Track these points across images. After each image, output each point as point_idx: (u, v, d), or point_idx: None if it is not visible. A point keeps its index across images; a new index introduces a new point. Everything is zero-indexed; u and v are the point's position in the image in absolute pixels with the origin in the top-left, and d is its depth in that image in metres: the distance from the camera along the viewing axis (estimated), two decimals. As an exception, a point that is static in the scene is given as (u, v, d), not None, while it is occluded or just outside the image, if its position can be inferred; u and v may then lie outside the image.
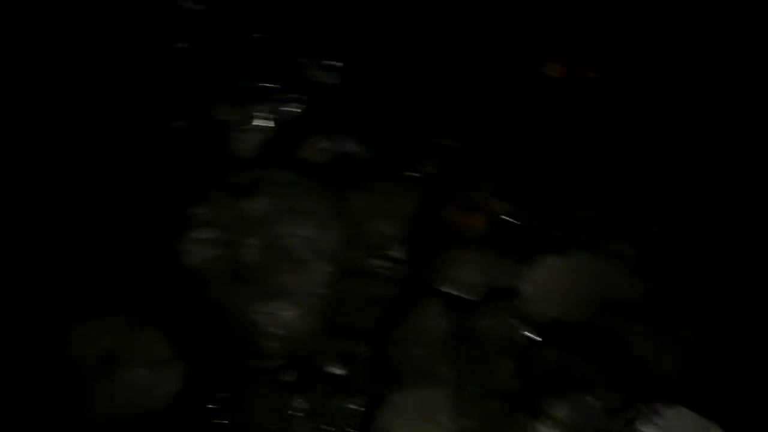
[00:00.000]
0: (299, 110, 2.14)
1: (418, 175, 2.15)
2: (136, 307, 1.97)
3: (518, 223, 2.14)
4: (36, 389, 1.93)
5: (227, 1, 2.23)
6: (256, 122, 2.11)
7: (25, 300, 2.01)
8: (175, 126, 2.17)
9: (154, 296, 1.98)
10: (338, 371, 1.96)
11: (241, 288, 1.91)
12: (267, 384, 1.95)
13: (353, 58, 2.21)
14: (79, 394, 1.90)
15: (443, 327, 1.96)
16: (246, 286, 1.91)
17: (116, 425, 1.89)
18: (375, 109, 2.19)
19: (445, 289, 2.02)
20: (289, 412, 1.93)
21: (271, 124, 2.11)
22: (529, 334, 2.01)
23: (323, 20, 2.24)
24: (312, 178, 2.00)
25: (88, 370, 1.92)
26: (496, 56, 2.29)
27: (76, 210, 2.09)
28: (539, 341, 2.01)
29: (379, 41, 2.27)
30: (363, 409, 1.91)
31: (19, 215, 2.07)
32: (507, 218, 2.14)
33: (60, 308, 2.00)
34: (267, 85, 2.13)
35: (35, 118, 2.15)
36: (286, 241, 1.91)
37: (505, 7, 2.31)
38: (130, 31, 2.24)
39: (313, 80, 2.16)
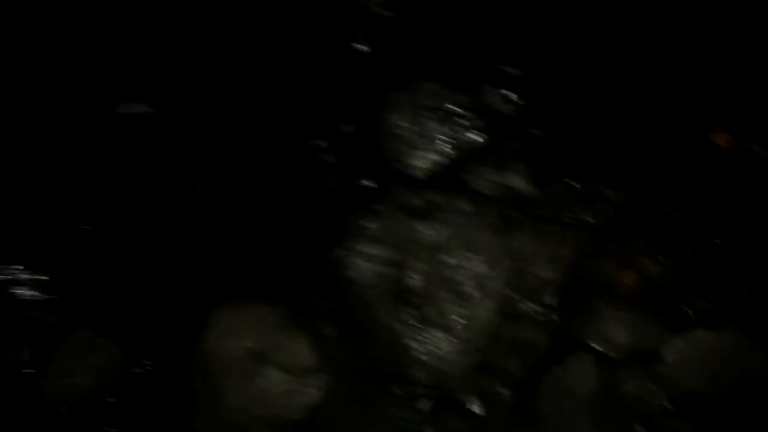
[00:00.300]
0: (475, 138, 2.09)
1: (577, 221, 2.11)
2: (286, 309, 1.93)
3: (667, 286, 2.11)
4: (167, 381, 1.90)
5: (419, 12, 2.16)
6: (433, 143, 2.05)
7: (171, 285, 1.98)
8: (343, 129, 2.12)
9: (307, 301, 1.95)
10: (477, 410, 1.93)
11: (400, 310, 1.87)
12: (402, 408, 1.93)
13: (532, 92, 2.16)
14: (213, 390, 1.87)
15: (590, 383, 1.93)
16: (405, 310, 1.87)
17: (244, 430, 1.87)
18: (545, 148, 2.15)
19: (593, 344, 1.99)
20: (419, 440, 1.92)
21: (446, 147, 2.05)
22: (665, 403, 1.99)
23: (508, 48, 2.18)
24: (483, 210, 1.96)
25: (225, 367, 1.88)
26: (668, 115, 2.24)
27: (242, 200, 2.06)
28: (673, 411, 1.99)
29: (558, 78, 2.22)
30: (495, 452, 1.89)
31: (194, 200, 2.04)
32: (657, 280, 2.11)
33: (204, 296, 1.96)
34: (448, 106, 2.07)
35: (213, 110, 2.12)
36: (455, 272, 1.87)
37: (687, 69, 2.26)
38: (310, 24, 2.18)
39: (492, 108, 2.10)
